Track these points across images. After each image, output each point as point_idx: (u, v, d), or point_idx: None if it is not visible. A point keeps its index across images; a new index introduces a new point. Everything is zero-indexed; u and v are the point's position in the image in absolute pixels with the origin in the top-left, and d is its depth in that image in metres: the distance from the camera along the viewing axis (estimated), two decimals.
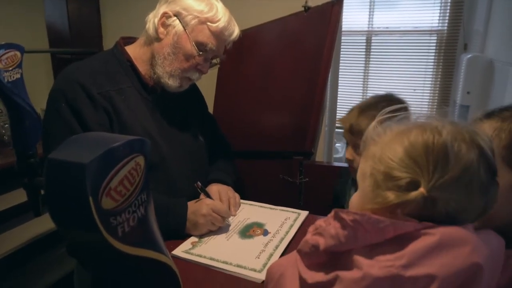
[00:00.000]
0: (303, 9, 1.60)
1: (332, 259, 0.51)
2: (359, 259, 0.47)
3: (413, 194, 0.46)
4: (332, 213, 0.51)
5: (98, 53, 1.09)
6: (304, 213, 1.10)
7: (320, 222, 0.53)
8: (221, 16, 1.01)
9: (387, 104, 1.13)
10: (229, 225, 1.03)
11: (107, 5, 2.15)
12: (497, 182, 0.51)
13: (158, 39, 1.02)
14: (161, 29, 1.01)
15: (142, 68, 1.05)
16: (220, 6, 1.03)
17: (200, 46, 1.01)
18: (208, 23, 1.00)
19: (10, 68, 0.67)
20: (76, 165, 0.39)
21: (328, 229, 0.50)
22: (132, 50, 1.07)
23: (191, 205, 1.01)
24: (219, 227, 1.00)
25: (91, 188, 0.39)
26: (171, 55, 1.01)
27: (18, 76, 0.69)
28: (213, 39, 1.02)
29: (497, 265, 0.46)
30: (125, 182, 0.43)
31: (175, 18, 1.00)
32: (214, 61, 1.09)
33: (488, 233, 0.48)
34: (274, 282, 0.58)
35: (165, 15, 1.00)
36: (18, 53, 0.70)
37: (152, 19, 1.02)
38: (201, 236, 0.98)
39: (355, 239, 0.48)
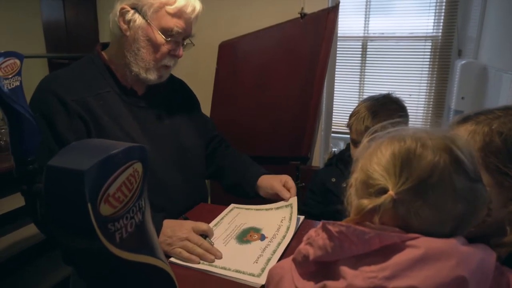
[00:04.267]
0: (299, 16, 1.62)
1: (322, 268, 0.53)
2: (345, 269, 0.49)
3: (383, 197, 0.48)
4: (320, 224, 0.52)
5: (77, 60, 1.07)
6: (299, 217, 1.10)
7: (312, 232, 0.54)
8: None
9: (395, 106, 1.17)
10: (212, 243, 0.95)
11: (104, 9, 2.16)
12: (481, 188, 0.51)
13: (123, 36, 1.01)
14: (123, 26, 0.99)
15: (118, 70, 1.04)
16: None
17: (166, 32, 0.99)
18: (166, 7, 0.98)
19: (10, 76, 0.68)
20: (75, 172, 0.39)
21: (317, 239, 0.52)
22: (107, 54, 1.06)
23: (167, 229, 0.92)
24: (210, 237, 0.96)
25: (90, 195, 0.40)
26: (140, 49, 1.00)
27: (18, 83, 0.70)
28: (177, 21, 1.00)
29: (486, 279, 0.47)
30: (123, 188, 0.44)
31: (134, 11, 0.98)
32: (187, 41, 1.07)
33: (479, 246, 0.48)
34: (274, 284, 0.60)
35: (123, 11, 0.99)
36: (18, 61, 0.71)
37: (112, 18, 1.01)
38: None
39: (342, 250, 0.49)
